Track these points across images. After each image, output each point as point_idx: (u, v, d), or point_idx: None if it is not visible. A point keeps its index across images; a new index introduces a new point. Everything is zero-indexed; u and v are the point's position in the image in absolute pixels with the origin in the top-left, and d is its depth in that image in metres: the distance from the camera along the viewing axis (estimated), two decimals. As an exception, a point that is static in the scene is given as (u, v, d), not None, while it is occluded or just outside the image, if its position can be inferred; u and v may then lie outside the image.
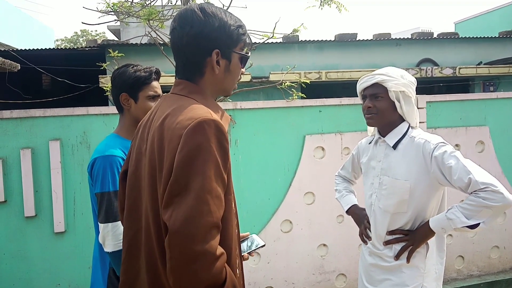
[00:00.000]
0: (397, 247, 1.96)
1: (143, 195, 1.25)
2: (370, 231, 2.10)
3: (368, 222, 2.12)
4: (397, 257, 1.95)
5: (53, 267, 3.21)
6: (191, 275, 1.03)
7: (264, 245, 1.57)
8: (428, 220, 1.90)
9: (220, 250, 1.08)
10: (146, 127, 1.30)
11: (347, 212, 2.33)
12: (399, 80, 1.94)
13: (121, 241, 1.78)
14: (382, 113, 1.97)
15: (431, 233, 1.89)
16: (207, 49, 1.25)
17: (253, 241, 1.58)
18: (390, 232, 1.98)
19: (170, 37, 1.30)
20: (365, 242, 2.15)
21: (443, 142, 1.88)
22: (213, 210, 1.06)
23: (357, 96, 2.14)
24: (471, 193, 1.75)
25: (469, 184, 1.73)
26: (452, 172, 1.77)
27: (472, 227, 1.76)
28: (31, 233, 3.17)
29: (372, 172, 2.07)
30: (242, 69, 1.35)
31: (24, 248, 3.17)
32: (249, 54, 1.34)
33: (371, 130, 2.16)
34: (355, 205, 2.32)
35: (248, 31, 1.36)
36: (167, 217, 1.06)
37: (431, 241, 1.98)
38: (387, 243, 1.99)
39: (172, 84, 1.34)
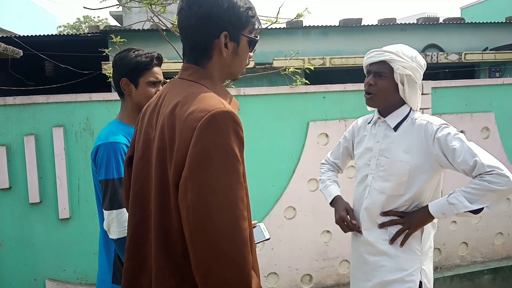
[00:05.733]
0: (392, 230, 1.90)
1: (151, 182, 1.23)
2: (353, 217, 2.04)
3: (347, 210, 2.06)
4: (392, 241, 1.89)
5: (58, 253, 3.24)
6: (220, 272, 1.05)
7: (268, 239, 1.57)
8: (427, 205, 1.84)
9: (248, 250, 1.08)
10: (155, 113, 1.27)
11: (331, 204, 2.22)
12: (408, 62, 1.85)
13: (126, 228, 1.79)
14: (382, 93, 1.90)
15: (430, 218, 1.83)
16: (215, 31, 1.21)
17: (259, 232, 1.57)
18: (384, 213, 1.91)
19: (177, 18, 1.26)
20: (344, 230, 2.08)
21: (445, 124, 1.83)
22: (235, 203, 1.07)
23: (362, 82, 2.09)
24: (475, 176, 1.71)
25: (474, 167, 1.69)
26: (456, 154, 1.72)
27: (475, 212, 1.72)
28: (36, 220, 3.19)
29: (369, 153, 2.00)
30: (250, 53, 1.32)
31: (29, 234, 3.19)
32: (258, 38, 1.30)
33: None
34: (338, 195, 2.21)
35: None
36: (189, 214, 1.05)
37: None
38: (382, 225, 1.92)
39: (175, 70, 1.32)
